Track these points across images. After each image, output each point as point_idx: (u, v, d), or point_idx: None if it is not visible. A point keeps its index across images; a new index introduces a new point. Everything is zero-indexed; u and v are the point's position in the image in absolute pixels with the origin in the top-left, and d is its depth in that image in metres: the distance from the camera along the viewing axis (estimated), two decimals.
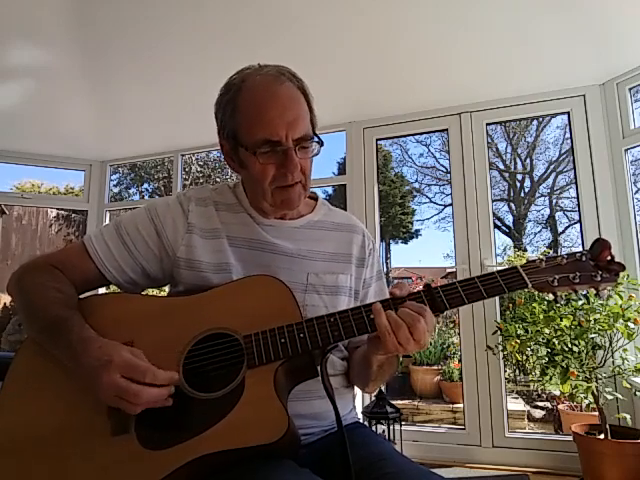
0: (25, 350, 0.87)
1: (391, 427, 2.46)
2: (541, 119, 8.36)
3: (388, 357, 0.88)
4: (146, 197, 9.92)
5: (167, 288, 1.04)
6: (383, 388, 2.70)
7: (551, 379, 2.32)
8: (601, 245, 0.80)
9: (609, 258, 0.80)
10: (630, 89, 2.61)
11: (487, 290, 0.80)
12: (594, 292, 0.81)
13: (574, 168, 2.76)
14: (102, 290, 2.17)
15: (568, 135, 7.53)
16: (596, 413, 2.28)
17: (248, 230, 0.98)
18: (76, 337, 0.78)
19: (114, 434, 0.76)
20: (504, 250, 8.06)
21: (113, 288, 0.99)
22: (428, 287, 0.81)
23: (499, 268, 0.82)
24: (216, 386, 0.78)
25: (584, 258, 0.81)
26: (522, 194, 9.66)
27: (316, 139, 0.93)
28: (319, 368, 0.83)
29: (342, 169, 3.41)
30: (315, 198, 1.10)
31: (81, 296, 0.93)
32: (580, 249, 0.84)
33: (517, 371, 5.02)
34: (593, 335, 2.20)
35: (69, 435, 0.78)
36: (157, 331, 0.84)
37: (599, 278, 0.79)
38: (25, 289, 0.89)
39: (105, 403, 0.76)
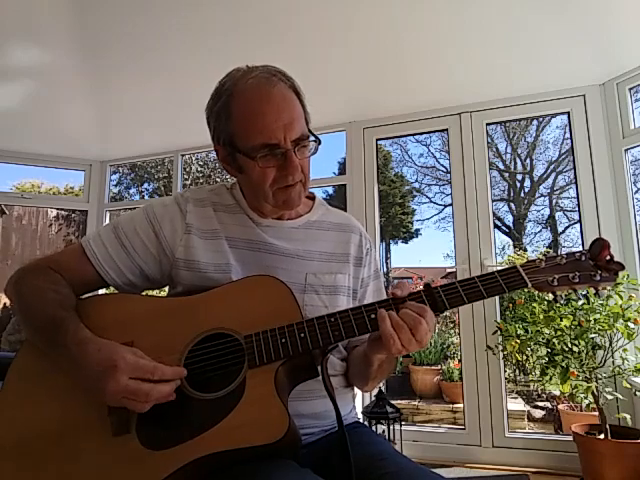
0: (26, 350, 0.87)
1: (391, 427, 2.46)
2: (541, 119, 8.36)
3: (388, 356, 0.88)
4: (146, 197, 9.91)
5: (167, 289, 1.04)
6: (383, 388, 2.70)
7: (551, 379, 2.32)
8: (600, 245, 0.80)
9: (608, 258, 0.80)
10: (630, 89, 2.62)
11: (487, 290, 0.80)
12: (593, 291, 0.81)
13: (574, 168, 2.76)
14: (102, 291, 2.17)
15: (568, 135, 7.54)
16: (596, 413, 2.28)
17: (247, 231, 0.98)
18: (72, 338, 0.78)
19: (115, 434, 0.76)
20: (504, 250, 8.06)
21: (112, 290, 0.99)
22: (428, 287, 0.81)
23: (499, 268, 0.82)
24: (217, 386, 0.78)
25: (583, 258, 0.81)
26: (522, 194, 9.66)
27: (313, 138, 0.93)
28: (319, 368, 0.83)
29: (342, 169, 3.41)
30: (313, 198, 1.10)
31: (81, 297, 0.92)
32: (580, 249, 0.84)
33: (517, 371, 5.02)
34: (593, 335, 2.20)
35: (70, 435, 0.78)
36: (157, 331, 0.84)
37: (598, 278, 0.79)
38: (22, 291, 0.89)
39: (110, 404, 0.76)
